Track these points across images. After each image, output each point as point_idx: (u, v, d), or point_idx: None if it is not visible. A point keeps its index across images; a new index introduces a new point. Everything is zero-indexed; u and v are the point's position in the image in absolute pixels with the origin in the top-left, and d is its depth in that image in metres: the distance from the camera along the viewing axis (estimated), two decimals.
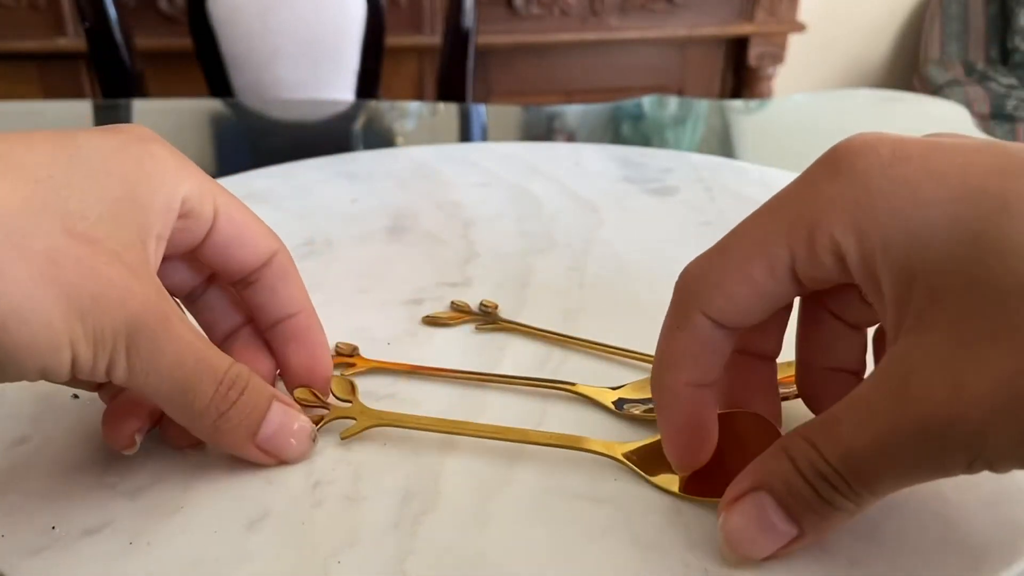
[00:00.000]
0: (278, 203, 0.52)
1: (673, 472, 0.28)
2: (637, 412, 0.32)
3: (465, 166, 0.59)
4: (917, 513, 0.28)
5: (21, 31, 1.74)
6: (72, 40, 1.75)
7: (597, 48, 2.05)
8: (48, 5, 1.74)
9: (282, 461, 0.29)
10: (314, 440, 0.29)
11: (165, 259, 0.28)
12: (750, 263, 0.25)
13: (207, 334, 0.32)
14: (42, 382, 0.25)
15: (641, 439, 0.30)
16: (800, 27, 2.11)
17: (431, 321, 0.39)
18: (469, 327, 0.39)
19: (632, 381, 0.34)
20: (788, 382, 0.31)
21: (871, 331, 0.29)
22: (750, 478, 0.25)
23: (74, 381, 0.26)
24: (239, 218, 0.30)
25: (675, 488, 0.28)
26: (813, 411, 0.30)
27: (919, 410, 0.21)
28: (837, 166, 0.24)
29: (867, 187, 0.23)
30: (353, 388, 0.32)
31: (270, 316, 0.32)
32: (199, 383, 0.26)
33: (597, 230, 0.49)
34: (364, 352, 0.36)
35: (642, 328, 0.38)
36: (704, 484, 0.28)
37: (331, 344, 0.36)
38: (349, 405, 0.31)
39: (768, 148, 0.86)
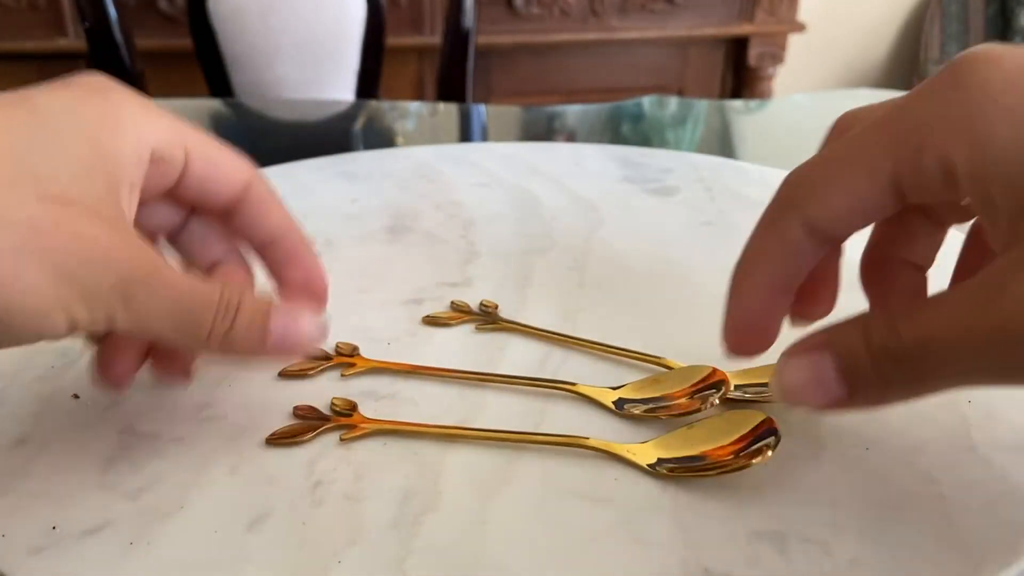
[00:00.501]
0: None
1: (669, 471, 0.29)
2: (637, 412, 0.32)
3: (465, 166, 0.59)
4: (917, 513, 0.28)
5: (21, 31, 1.74)
6: (72, 40, 1.75)
7: (597, 48, 2.05)
8: (48, 5, 1.74)
9: (302, 353, 0.31)
10: (326, 328, 0.30)
11: (143, 203, 0.29)
12: (852, 172, 0.25)
13: (194, 263, 0.33)
14: (42, 382, 0.25)
15: (642, 439, 0.30)
16: (800, 27, 2.11)
17: (431, 321, 0.39)
18: (469, 327, 0.39)
19: (632, 381, 0.34)
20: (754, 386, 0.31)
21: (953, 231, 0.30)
22: (821, 338, 0.25)
23: (74, 333, 0.26)
24: (211, 155, 0.30)
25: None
26: (869, 297, 0.31)
27: (1010, 317, 0.21)
28: (957, 77, 0.24)
29: (986, 98, 0.23)
30: (355, 406, 0.32)
31: (258, 241, 0.33)
32: (198, 315, 0.27)
33: (597, 230, 0.49)
34: (364, 352, 0.36)
35: (643, 327, 0.38)
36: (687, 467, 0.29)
37: (331, 344, 0.36)
38: (351, 417, 0.32)
39: (768, 148, 0.86)
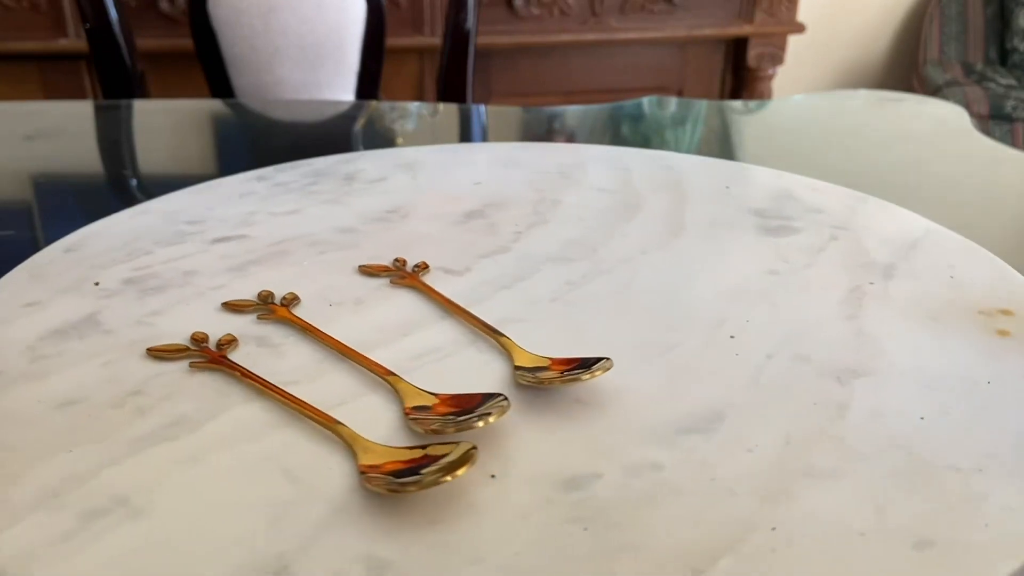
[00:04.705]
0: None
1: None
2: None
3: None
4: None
5: (22, 32, 1.74)
6: (73, 41, 1.75)
7: (597, 49, 2.06)
8: (49, 6, 1.74)
9: None
10: None
11: None
12: None
13: None
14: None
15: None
16: (799, 28, 2.11)
17: (365, 271, 0.47)
18: (412, 293, 0.45)
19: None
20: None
21: None
22: None
23: None
24: None
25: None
26: None
27: None
28: None
29: None
30: (229, 343, 0.40)
31: None
32: None
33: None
34: (304, 304, 0.43)
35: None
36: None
37: (282, 292, 0.45)
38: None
39: (768, 148, 0.86)
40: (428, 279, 0.46)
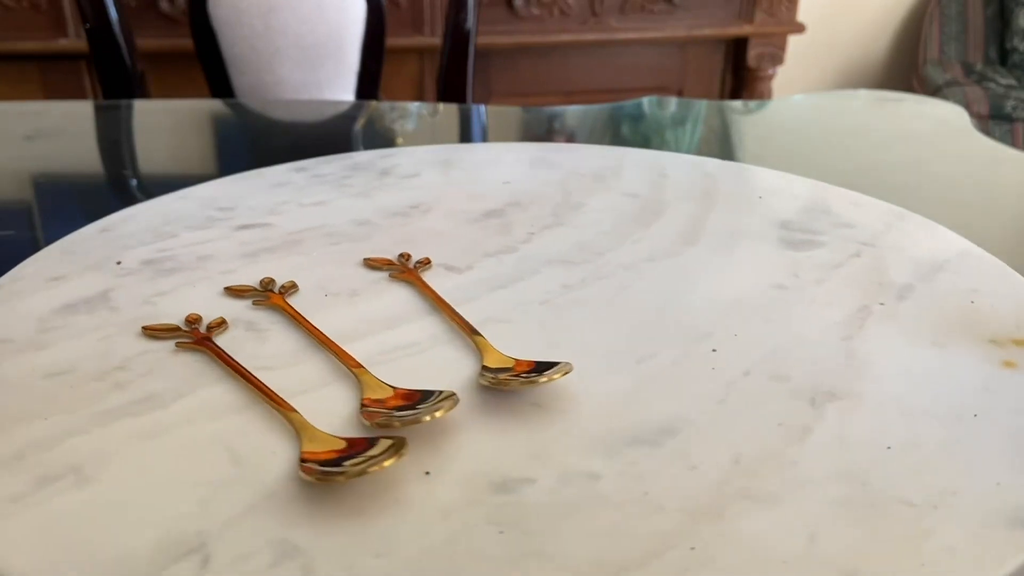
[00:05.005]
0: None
1: None
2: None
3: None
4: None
5: (22, 32, 1.74)
6: (73, 41, 1.75)
7: (597, 49, 2.06)
8: (49, 6, 1.74)
9: None
10: None
11: None
12: None
13: None
14: None
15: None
16: (799, 28, 2.11)
17: (370, 264, 0.48)
18: (407, 287, 0.45)
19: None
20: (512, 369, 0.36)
21: None
22: None
23: None
24: None
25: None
26: None
27: None
28: None
29: None
30: (218, 326, 0.41)
31: None
32: None
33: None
34: (301, 292, 0.44)
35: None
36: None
37: (283, 279, 0.46)
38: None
39: (768, 148, 0.86)
40: (428, 275, 0.46)
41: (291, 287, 0.45)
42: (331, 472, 0.30)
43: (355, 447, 0.32)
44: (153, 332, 0.41)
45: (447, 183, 0.60)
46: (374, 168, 0.63)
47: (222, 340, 0.40)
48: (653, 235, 0.52)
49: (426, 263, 0.47)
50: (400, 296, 0.44)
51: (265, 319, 0.42)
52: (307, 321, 0.41)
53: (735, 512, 0.29)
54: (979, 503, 0.30)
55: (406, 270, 0.47)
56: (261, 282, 0.45)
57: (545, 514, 0.29)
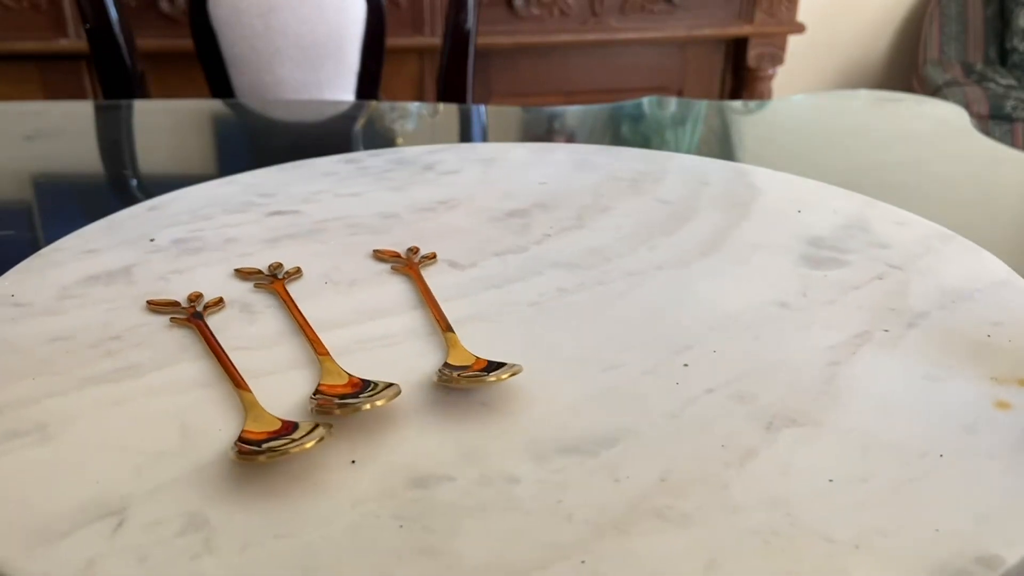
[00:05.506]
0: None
1: None
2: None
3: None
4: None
5: (23, 32, 1.74)
6: (73, 41, 1.75)
7: (597, 49, 2.06)
8: (49, 6, 1.74)
9: None
10: None
11: None
12: None
13: None
14: None
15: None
16: (799, 28, 2.11)
17: (378, 255, 0.48)
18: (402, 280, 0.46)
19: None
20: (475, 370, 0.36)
21: None
22: None
23: None
24: None
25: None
26: None
27: None
28: None
29: None
30: (214, 304, 0.43)
31: None
32: None
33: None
34: (305, 278, 0.45)
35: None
36: None
37: (290, 264, 0.47)
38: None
39: (767, 148, 0.86)
40: (431, 270, 0.47)
41: (295, 273, 0.46)
42: (252, 451, 0.31)
43: (284, 430, 0.32)
44: (155, 307, 0.43)
45: (483, 181, 0.60)
46: (418, 163, 0.64)
47: (215, 319, 0.42)
48: (672, 243, 0.50)
49: (431, 258, 0.48)
50: (395, 289, 0.45)
51: (261, 302, 0.44)
52: (295, 306, 0.43)
53: (642, 530, 0.28)
54: (908, 549, 0.28)
55: (408, 264, 0.47)
56: (269, 267, 0.47)
57: (451, 513, 0.29)
